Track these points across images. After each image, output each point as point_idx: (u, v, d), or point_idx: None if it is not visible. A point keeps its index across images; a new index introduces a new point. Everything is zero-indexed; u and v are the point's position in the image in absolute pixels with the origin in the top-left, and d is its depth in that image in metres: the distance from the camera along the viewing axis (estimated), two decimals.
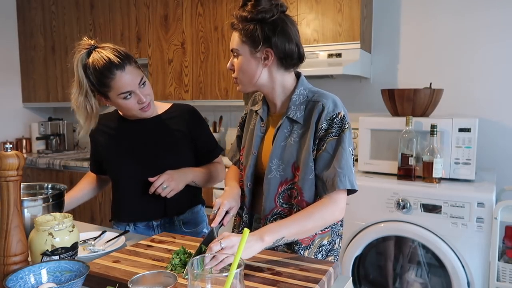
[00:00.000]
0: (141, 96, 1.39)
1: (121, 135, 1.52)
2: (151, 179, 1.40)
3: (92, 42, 1.39)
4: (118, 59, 1.34)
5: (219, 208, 1.14)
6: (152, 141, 1.50)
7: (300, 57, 1.18)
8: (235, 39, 1.16)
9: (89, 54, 1.36)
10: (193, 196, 1.60)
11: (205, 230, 1.66)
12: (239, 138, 1.41)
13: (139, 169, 1.47)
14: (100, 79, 1.34)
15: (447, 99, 2.41)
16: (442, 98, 2.22)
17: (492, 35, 2.40)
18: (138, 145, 1.50)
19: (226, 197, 1.19)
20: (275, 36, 1.12)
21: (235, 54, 1.18)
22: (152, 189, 1.39)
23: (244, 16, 1.13)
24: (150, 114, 1.47)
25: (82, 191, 1.62)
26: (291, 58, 1.16)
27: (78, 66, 1.36)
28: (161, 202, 1.48)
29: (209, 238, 1.05)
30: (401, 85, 2.65)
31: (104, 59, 1.33)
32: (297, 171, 1.16)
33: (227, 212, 1.16)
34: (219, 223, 1.13)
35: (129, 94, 1.37)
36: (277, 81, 1.19)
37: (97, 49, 1.36)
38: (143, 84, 1.40)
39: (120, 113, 1.54)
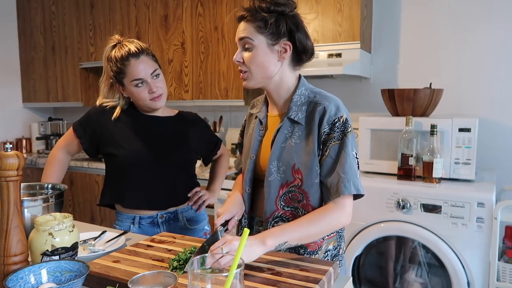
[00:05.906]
0: (151, 86, 1.48)
1: (136, 126, 1.56)
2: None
3: (121, 38, 1.54)
4: (135, 50, 1.48)
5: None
6: (164, 136, 1.57)
7: (312, 54, 1.19)
8: (247, 28, 1.11)
9: (113, 47, 1.51)
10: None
11: (207, 228, 1.70)
12: (241, 145, 1.40)
13: (152, 159, 1.53)
14: (118, 66, 1.48)
15: (447, 99, 2.41)
16: (442, 98, 2.22)
17: (492, 35, 2.40)
18: (151, 138, 1.56)
19: (225, 207, 1.19)
20: (298, 31, 1.12)
21: (247, 46, 1.13)
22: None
23: (264, 7, 1.11)
24: (161, 106, 1.55)
25: (63, 170, 1.65)
26: (306, 54, 1.16)
27: (103, 58, 1.54)
28: (166, 192, 1.56)
29: (213, 238, 1.06)
30: (401, 85, 2.65)
31: (124, 49, 1.48)
32: (297, 174, 1.14)
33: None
34: (224, 227, 1.14)
35: (141, 83, 1.48)
36: (285, 77, 1.18)
37: (122, 43, 1.50)
38: (156, 76, 1.51)
39: (136, 107, 1.60)
